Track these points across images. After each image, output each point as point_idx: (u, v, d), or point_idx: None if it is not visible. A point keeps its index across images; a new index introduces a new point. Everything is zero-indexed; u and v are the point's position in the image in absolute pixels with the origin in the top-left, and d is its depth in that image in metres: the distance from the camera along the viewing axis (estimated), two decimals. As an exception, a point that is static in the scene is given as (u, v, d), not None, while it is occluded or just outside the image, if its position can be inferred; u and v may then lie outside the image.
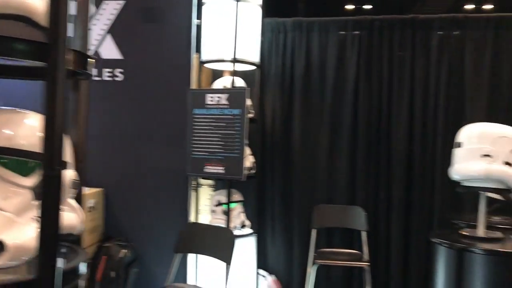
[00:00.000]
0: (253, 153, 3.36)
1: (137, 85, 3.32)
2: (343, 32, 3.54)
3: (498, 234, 2.50)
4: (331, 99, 3.55)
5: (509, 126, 2.41)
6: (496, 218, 3.06)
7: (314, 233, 3.42)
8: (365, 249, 3.35)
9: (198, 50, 3.31)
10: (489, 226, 2.82)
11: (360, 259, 3.32)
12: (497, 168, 2.30)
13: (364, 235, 3.38)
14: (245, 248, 3.31)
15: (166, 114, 3.30)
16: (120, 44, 3.33)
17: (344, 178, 3.53)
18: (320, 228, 3.47)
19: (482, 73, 3.35)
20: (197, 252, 2.93)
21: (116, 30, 3.32)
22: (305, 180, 3.59)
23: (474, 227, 2.66)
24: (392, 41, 3.47)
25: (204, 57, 3.26)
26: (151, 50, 3.31)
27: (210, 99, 3.12)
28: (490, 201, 2.60)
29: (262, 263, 3.56)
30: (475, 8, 8.49)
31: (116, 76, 3.33)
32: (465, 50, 3.37)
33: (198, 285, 3.11)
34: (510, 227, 2.89)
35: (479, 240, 2.42)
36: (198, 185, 3.50)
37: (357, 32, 3.51)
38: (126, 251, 3.16)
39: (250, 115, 3.25)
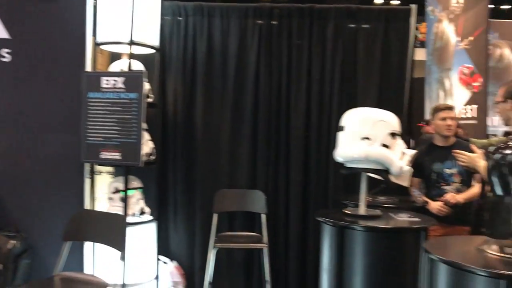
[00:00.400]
0: (153, 139, 3.32)
1: (27, 67, 3.14)
2: (244, 19, 3.57)
3: (377, 212, 2.67)
4: (233, 85, 3.59)
5: (387, 111, 2.58)
6: (381, 198, 3.27)
7: (215, 217, 3.45)
8: (265, 231, 3.44)
9: (94, 31, 3.19)
10: (375, 206, 3.02)
11: (259, 241, 3.41)
12: (375, 150, 2.45)
13: (263, 217, 3.47)
14: (145, 235, 3.27)
15: (58, 98, 3.15)
16: (7, 22, 3.12)
17: (246, 163, 3.59)
18: (222, 212, 3.51)
19: (373, 62, 3.54)
20: (88, 239, 2.85)
21: (2, 8, 3.11)
22: (207, 165, 3.61)
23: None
24: (291, 30, 3.57)
25: (100, 38, 3.15)
26: (42, 30, 3.14)
27: (106, 82, 3.02)
28: (377, 182, 2.78)
29: (164, 249, 3.55)
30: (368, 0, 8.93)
31: (3, 57, 3.13)
32: (358, 39, 3.55)
33: (95, 274, 3.03)
34: (394, 205, 3.11)
35: (360, 218, 2.58)
36: (96, 172, 3.39)
37: (259, 22, 3.56)
38: (15, 242, 3.00)
39: (149, 100, 3.20)
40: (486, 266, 1.82)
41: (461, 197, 3.02)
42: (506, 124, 2.71)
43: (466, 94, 5.77)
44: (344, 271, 2.46)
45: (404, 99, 3.61)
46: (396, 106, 3.59)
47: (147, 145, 3.20)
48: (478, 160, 2.28)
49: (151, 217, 3.31)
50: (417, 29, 9.62)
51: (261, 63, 3.57)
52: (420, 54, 7.68)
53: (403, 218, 2.57)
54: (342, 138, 2.57)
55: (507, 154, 1.86)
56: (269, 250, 3.40)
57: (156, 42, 3.25)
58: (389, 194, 3.40)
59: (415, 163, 3.21)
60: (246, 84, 3.58)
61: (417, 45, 9.36)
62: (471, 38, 5.65)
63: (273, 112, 3.58)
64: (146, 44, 3.17)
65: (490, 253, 1.91)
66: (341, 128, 2.59)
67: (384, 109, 2.67)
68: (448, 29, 6.07)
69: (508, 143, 1.92)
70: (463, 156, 2.51)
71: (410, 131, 3.91)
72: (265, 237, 3.42)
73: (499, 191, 1.90)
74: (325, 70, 3.56)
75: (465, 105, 5.72)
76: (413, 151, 2.92)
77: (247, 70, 3.58)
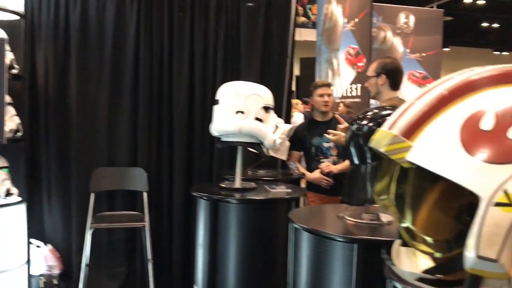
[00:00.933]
0: (20, 114, 3.04)
1: None
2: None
3: (252, 185, 2.70)
4: (111, 57, 3.40)
5: (260, 85, 2.59)
6: (261, 171, 3.32)
7: (92, 197, 3.28)
8: (146, 210, 3.34)
9: None
10: (255, 179, 3.05)
11: (140, 220, 3.31)
12: (248, 123, 2.46)
13: (145, 196, 3.37)
14: (14, 218, 3.02)
15: None
16: None
17: (126, 140, 3.45)
18: (100, 192, 3.35)
19: (256, 39, 3.55)
20: None
21: None
22: (84, 142, 3.40)
23: (243, 180, 2.84)
24: (172, 1, 3.45)
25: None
26: None
27: (-41, 50, 2.69)
28: (257, 156, 2.80)
29: (37, 232, 3.31)
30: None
31: None
32: (241, 15, 3.53)
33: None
34: (272, 178, 3.17)
35: (234, 191, 2.59)
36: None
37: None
38: None
39: (14, 71, 2.91)
40: (343, 232, 1.90)
41: (334, 167, 3.17)
42: (374, 98, 2.86)
43: (351, 74, 6.06)
44: (219, 245, 2.46)
45: (286, 76, 3.67)
46: (278, 83, 3.66)
47: (12, 121, 2.92)
48: (344, 135, 2.38)
49: (19, 198, 3.05)
50: (310, 10, 9.92)
51: (141, 35, 3.41)
52: (311, 35, 7.95)
53: (276, 190, 2.62)
54: (217, 112, 2.54)
55: (363, 125, 1.94)
56: (151, 228, 3.31)
57: (20, 7, 2.96)
58: (271, 168, 3.46)
59: (296, 138, 3.31)
60: (125, 57, 3.41)
61: (308, 26, 9.68)
62: (356, 20, 5.92)
63: (155, 86, 3.46)
64: (8, 9, 2.87)
65: (348, 220, 2.00)
66: (216, 102, 2.56)
67: (267, 85, 2.69)
68: (336, 11, 6.30)
69: (366, 114, 2.00)
70: (332, 133, 2.63)
71: (290, 107, 4.01)
72: (146, 216, 3.32)
73: (356, 160, 1.98)
74: (208, 44, 3.50)
75: (351, 84, 6.01)
76: (289, 125, 2.98)
77: (126, 42, 3.40)
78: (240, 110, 2.46)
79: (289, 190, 2.64)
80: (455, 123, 0.65)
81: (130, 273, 3.50)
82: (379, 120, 1.95)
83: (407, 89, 5.71)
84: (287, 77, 3.66)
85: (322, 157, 3.32)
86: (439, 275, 0.71)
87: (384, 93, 2.66)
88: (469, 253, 0.60)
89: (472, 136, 0.63)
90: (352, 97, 5.88)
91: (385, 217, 2.00)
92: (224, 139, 2.56)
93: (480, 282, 0.62)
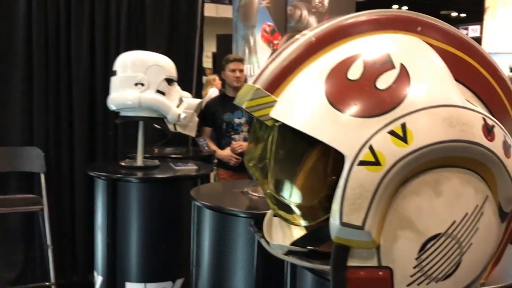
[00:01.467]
0: None
1: None
2: None
3: (155, 163, 2.55)
4: (-1, 25, 3.05)
5: (163, 55, 2.43)
6: (169, 149, 3.18)
7: (-20, 180, 2.96)
8: (44, 192, 3.07)
9: None
10: (162, 157, 2.90)
11: (37, 203, 3.04)
12: (149, 96, 2.30)
13: (42, 177, 3.09)
14: None
15: None
16: None
17: (19, 116, 3.13)
18: (-11, 173, 3.03)
19: (163, 14, 3.36)
20: None
21: None
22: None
23: (147, 158, 2.68)
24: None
25: None
26: None
27: None
28: (163, 133, 2.64)
29: None
30: None
31: None
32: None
33: None
34: (181, 156, 3.04)
35: (136, 169, 2.43)
36: None
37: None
38: None
39: None
40: (246, 207, 1.84)
41: (246, 145, 3.10)
42: None
43: (267, 51, 6.02)
44: (118, 228, 2.30)
45: (196, 50, 3.52)
46: (188, 57, 3.50)
47: None
48: None
49: None
50: (227, -15, 9.72)
51: (33, 1, 3.09)
52: (228, 11, 7.80)
53: (182, 168, 2.50)
54: (114, 84, 2.35)
55: None
56: (51, 212, 3.06)
57: None
58: (180, 145, 3.33)
59: (207, 113, 3.19)
60: (16, 25, 3.07)
61: (225, 2, 9.51)
62: (272, -4, 5.86)
63: (51, 57, 3.16)
64: None
65: (252, 195, 1.94)
66: (113, 73, 2.37)
67: (175, 59, 2.53)
68: (252, -13, 6.21)
69: None
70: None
71: (201, 82, 3.88)
72: (44, 199, 3.05)
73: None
74: (111, 13, 3.25)
75: (267, 61, 5.97)
76: (197, 100, 2.86)
77: (17, 9, 3.06)
78: (140, 82, 2.29)
79: (195, 168, 2.53)
80: (321, 73, 0.57)
81: (28, 260, 3.23)
82: None
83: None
84: (196, 51, 3.51)
85: (233, 133, 3.24)
86: (310, 247, 0.62)
87: None
88: (333, 220, 0.52)
89: (338, 87, 0.55)
90: (269, 74, 5.85)
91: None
92: (123, 113, 2.38)
93: (347, 253, 0.54)
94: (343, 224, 0.53)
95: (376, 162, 0.52)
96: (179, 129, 2.75)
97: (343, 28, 0.61)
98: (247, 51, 6.35)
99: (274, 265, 1.51)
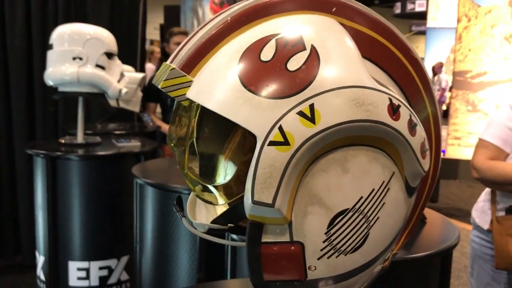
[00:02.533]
0: None
1: None
2: None
3: (97, 139, 2.49)
4: None
5: (103, 28, 2.34)
6: (112, 125, 3.11)
7: None
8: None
9: None
10: (105, 133, 2.83)
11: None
12: (88, 71, 2.22)
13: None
14: None
15: None
16: None
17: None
18: None
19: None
20: None
21: None
22: None
23: (89, 135, 2.61)
24: None
25: None
26: None
27: None
28: (104, 109, 2.56)
29: None
30: None
31: None
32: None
33: None
34: (125, 132, 2.98)
35: (76, 147, 2.37)
36: None
37: None
38: None
39: None
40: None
41: None
42: None
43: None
44: (59, 207, 2.25)
45: (139, 22, 3.42)
46: (131, 29, 3.40)
47: None
48: None
49: None
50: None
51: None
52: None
53: (124, 144, 2.45)
54: (51, 58, 2.25)
55: None
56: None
57: None
58: (125, 121, 3.26)
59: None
60: None
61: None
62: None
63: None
64: None
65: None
66: (50, 47, 2.26)
67: (118, 31, 2.44)
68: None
69: None
70: None
71: (144, 55, 3.79)
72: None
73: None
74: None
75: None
76: (140, 74, 2.79)
77: None
78: (78, 56, 2.20)
79: (138, 144, 2.49)
80: (235, 54, 0.57)
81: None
82: None
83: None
84: (140, 22, 3.41)
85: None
86: (230, 224, 0.63)
87: None
88: (246, 198, 0.54)
89: (250, 68, 0.55)
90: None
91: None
92: (61, 89, 2.29)
93: (261, 229, 0.56)
94: (254, 202, 0.54)
95: (285, 142, 0.53)
96: (122, 105, 2.69)
97: (259, 8, 0.61)
98: (195, 23, 6.23)
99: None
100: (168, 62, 0.63)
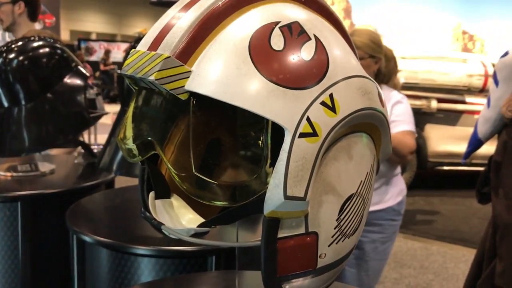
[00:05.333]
0: None
1: None
2: None
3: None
4: None
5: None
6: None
7: None
8: None
9: None
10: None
11: None
12: None
13: None
14: None
15: None
16: None
17: None
18: None
19: None
20: None
21: None
22: None
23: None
24: None
25: None
26: None
27: None
28: None
29: None
30: None
31: None
32: None
33: None
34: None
35: None
36: None
37: None
38: None
39: None
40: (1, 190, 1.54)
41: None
42: (8, 30, 2.43)
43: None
44: None
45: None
46: None
47: None
48: None
49: None
50: None
51: None
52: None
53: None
54: None
55: (11, 59, 1.60)
56: None
57: None
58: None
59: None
60: None
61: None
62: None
63: None
64: None
65: (3, 175, 1.65)
66: None
67: None
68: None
69: (11, 46, 1.64)
70: None
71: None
72: None
73: (5, 102, 1.62)
74: None
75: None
76: None
77: None
78: None
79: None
80: (242, 42, 0.52)
81: None
82: (30, 54, 1.63)
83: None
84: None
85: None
86: (214, 226, 0.59)
87: (23, 25, 2.25)
88: (275, 195, 0.51)
89: (265, 57, 0.52)
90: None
91: (43, 166, 1.76)
92: None
93: (278, 225, 0.54)
94: (287, 197, 0.52)
95: (314, 133, 0.53)
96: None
97: None
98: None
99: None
100: (144, 49, 0.54)
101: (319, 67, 0.55)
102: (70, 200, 1.41)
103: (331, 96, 0.54)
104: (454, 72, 4.74)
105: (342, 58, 0.58)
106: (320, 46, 0.57)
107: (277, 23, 0.56)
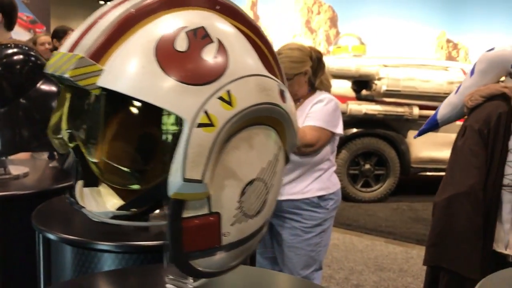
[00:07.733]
0: None
1: None
2: None
3: None
4: None
5: None
6: None
7: None
8: None
9: None
10: None
11: None
12: None
13: None
14: None
15: None
16: None
17: None
18: None
19: None
20: None
21: None
22: None
23: None
24: None
25: None
26: None
27: None
28: None
29: None
30: None
31: None
32: None
33: None
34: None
35: None
36: None
37: None
38: None
39: None
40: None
41: None
42: None
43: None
44: None
45: None
46: None
47: None
48: None
49: None
50: None
51: None
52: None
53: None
54: None
55: None
56: None
57: None
58: None
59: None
60: None
61: None
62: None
63: None
64: None
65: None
66: None
67: None
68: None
69: None
70: None
71: None
72: None
73: None
74: None
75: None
76: None
77: None
78: None
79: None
80: (149, 44, 0.60)
81: None
82: (4, 60, 1.68)
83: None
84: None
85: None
86: (134, 209, 0.66)
87: None
88: (174, 178, 0.58)
89: (169, 57, 0.60)
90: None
91: (15, 169, 1.78)
92: None
93: (182, 206, 0.62)
94: (186, 180, 0.60)
95: (211, 124, 0.60)
96: None
97: (158, 3, 0.65)
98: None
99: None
100: (65, 50, 0.61)
101: (218, 66, 0.63)
102: (40, 202, 1.47)
103: (228, 91, 0.62)
104: (435, 80, 4.82)
105: (242, 59, 0.66)
106: (221, 48, 0.64)
107: (185, 27, 0.64)
